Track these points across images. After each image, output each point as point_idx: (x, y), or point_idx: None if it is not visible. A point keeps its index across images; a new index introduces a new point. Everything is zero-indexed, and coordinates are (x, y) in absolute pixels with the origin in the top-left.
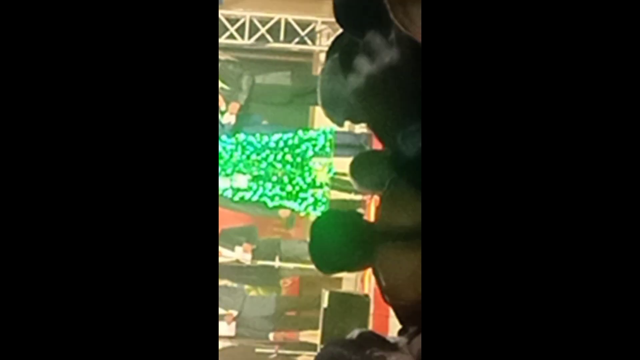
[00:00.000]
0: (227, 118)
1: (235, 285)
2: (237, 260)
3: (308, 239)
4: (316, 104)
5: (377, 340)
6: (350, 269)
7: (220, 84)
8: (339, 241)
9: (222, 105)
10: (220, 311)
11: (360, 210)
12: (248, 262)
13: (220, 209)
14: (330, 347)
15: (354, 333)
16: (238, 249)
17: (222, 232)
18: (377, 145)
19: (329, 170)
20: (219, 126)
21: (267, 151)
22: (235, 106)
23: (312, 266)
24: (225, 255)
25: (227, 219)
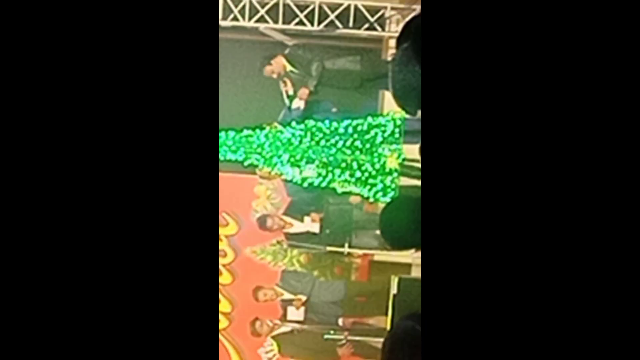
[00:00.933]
0: (296, 103)
1: (304, 270)
2: (307, 232)
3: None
4: (386, 88)
5: None
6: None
7: (290, 68)
8: (410, 218)
9: (290, 90)
10: (289, 296)
11: None
12: (317, 231)
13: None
14: (403, 321)
15: None
16: (306, 218)
17: (290, 204)
18: None
19: (398, 157)
20: (287, 111)
21: (336, 137)
22: (304, 92)
23: (381, 252)
24: (296, 226)
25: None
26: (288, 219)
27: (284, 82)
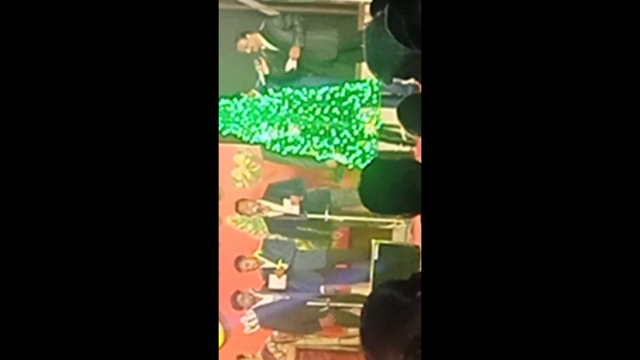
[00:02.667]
0: (289, 65)
1: (285, 239)
2: (286, 214)
3: (357, 188)
4: (362, 60)
5: None
6: (399, 212)
7: (266, 45)
8: (389, 181)
9: (265, 69)
10: (271, 264)
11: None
12: (296, 214)
13: (268, 163)
14: (381, 289)
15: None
16: (286, 202)
17: (268, 187)
18: None
19: (377, 122)
20: (268, 80)
21: (314, 105)
22: (296, 50)
23: (363, 218)
24: (274, 209)
25: (277, 173)
26: (267, 203)
27: (259, 61)
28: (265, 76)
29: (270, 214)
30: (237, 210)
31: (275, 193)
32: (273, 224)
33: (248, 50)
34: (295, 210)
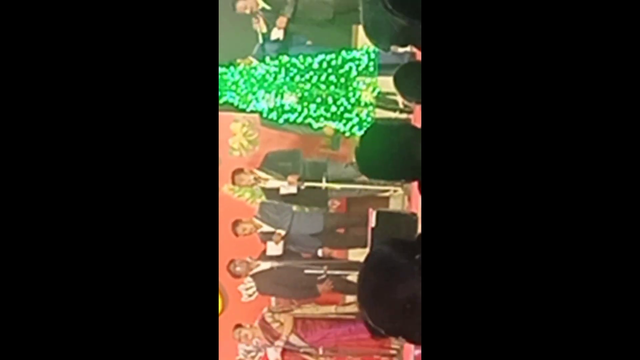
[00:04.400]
0: (275, 34)
1: (283, 204)
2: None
3: (354, 160)
4: (358, 22)
5: None
6: (396, 177)
7: (262, 5)
8: (387, 147)
9: (263, 27)
10: (268, 229)
11: None
12: (294, 191)
13: (265, 131)
14: (381, 246)
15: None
16: (284, 183)
17: (265, 157)
18: None
19: (374, 90)
20: (265, 46)
21: (311, 72)
22: (282, 20)
23: (360, 186)
24: (272, 184)
25: (274, 140)
26: (263, 174)
27: (257, 19)
28: (263, 34)
29: (268, 185)
30: (233, 182)
31: (272, 164)
32: (270, 192)
33: (247, 11)
34: (293, 189)
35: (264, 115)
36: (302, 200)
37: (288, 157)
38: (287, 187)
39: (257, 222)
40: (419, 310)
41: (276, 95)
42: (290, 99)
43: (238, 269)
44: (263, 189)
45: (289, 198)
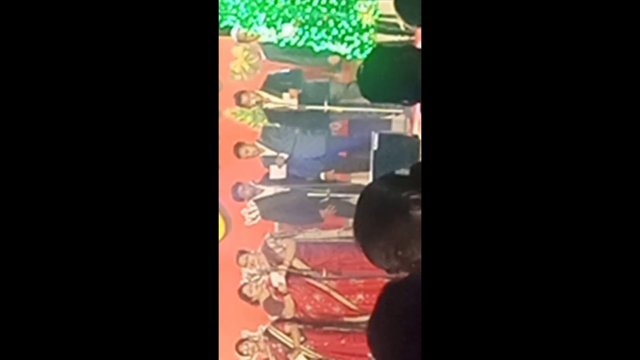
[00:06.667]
0: None
1: (286, 127)
2: (284, 107)
3: (357, 76)
4: None
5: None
6: (398, 99)
7: None
8: (390, 69)
9: None
10: (271, 153)
11: None
12: (295, 107)
13: (266, 59)
14: (376, 183)
15: (407, 169)
16: (285, 95)
17: (267, 78)
18: None
19: (374, 13)
20: None
21: None
22: None
23: (362, 109)
24: (273, 101)
25: (275, 65)
26: (266, 95)
27: None
28: None
29: (270, 106)
30: (237, 102)
31: (274, 84)
32: (272, 114)
33: None
34: (294, 102)
35: (265, 40)
36: (304, 123)
37: (290, 77)
38: (288, 101)
39: (260, 145)
40: (415, 250)
41: (276, 20)
42: (288, 31)
43: (242, 192)
44: (265, 110)
45: (290, 118)
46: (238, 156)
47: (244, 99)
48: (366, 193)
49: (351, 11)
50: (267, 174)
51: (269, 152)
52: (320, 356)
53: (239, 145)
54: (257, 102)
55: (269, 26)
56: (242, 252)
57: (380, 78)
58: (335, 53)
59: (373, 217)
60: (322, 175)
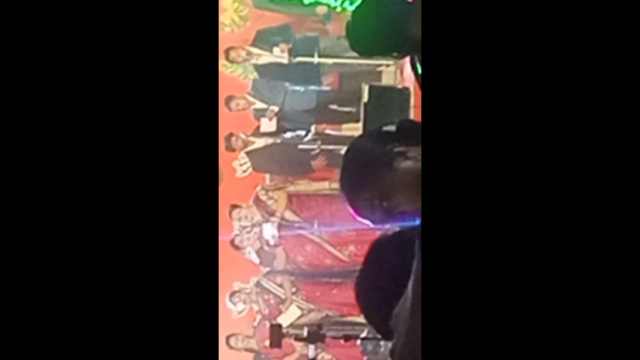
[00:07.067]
0: None
1: (276, 81)
2: (275, 62)
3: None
4: None
5: (413, 130)
6: (388, 53)
7: None
8: (379, 22)
9: None
10: (262, 105)
11: None
12: (285, 61)
13: (256, 11)
14: (362, 138)
15: (394, 125)
16: (275, 49)
17: (257, 34)
18: None
19: None
20: None
21: None
22: None
23: (352, 61)
24: (264, 56)
25: (265, 16)
26: (256, 50)
27: None
28: None
29: (260, 61)
30: (226, 58)
31: (263, 40)
32: (262, 69)
33: None
34: (285, 57)
35: None
36: (294, 77)
37: (279, 32)
38: (279, 56)
39: (251, 98)
40: (399, 201)
41: None
42: None
43: (234, 143)
44: (255, 65)
45: (280, 72)
46: (229, 109)
47: (233, 54)
48: (352, 147)
49: None
50: (258, 127)
51: (259, 105)
52: (312, 306)
53: (229, 98)
54: (246, 57)
55: None
56: (234, 206)
57: (369, 31)
58: (325, 4)
59: (358, 170)
60: (313, 128)
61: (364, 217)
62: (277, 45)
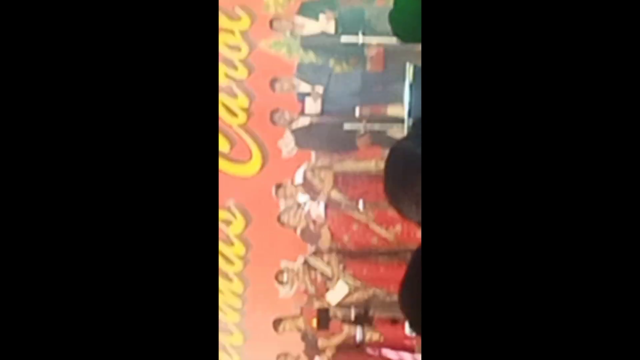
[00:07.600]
0: None
1: (319, 62)
2: (321, 33)
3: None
4: None
5: None
6: None
7: None
8: (419, 10)
9: None
10: (307, 88)
11: None
12: (332, 32)
13: None
14: (404, 141)
15: None
16: (321, 16)
17: (301, 6)
18: None
19: None
20: None
21: None
22: None
23: (396, 41)
24: (308, 26)
25: None
26: (300, 20)
27: None
28: None
29: (305, 32)
30: (271, 26)
31: (308, 12)
32: (307, 42)
33: None
34: (331, 26)
35: None
36: (339, 57)
37: (324, 3)
38: (325, 25)
39: (295, 80)
40: None
41: None
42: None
43: (279, 119)
44: (301, 38)
45: (326, 46)
46: (274, 91)
47: (276, 24)
48: (395, 148)
49: None
50: (302, 108)
51: (303, 88)
52: (359, 283)
53: (274, 80)
54: (292, 28)
55: None
56: (279, 185)
57: (411, 17)
58: None
59: (401, 171)
60: (357, 110)
61: (407, 218)
62: (323, 12)
